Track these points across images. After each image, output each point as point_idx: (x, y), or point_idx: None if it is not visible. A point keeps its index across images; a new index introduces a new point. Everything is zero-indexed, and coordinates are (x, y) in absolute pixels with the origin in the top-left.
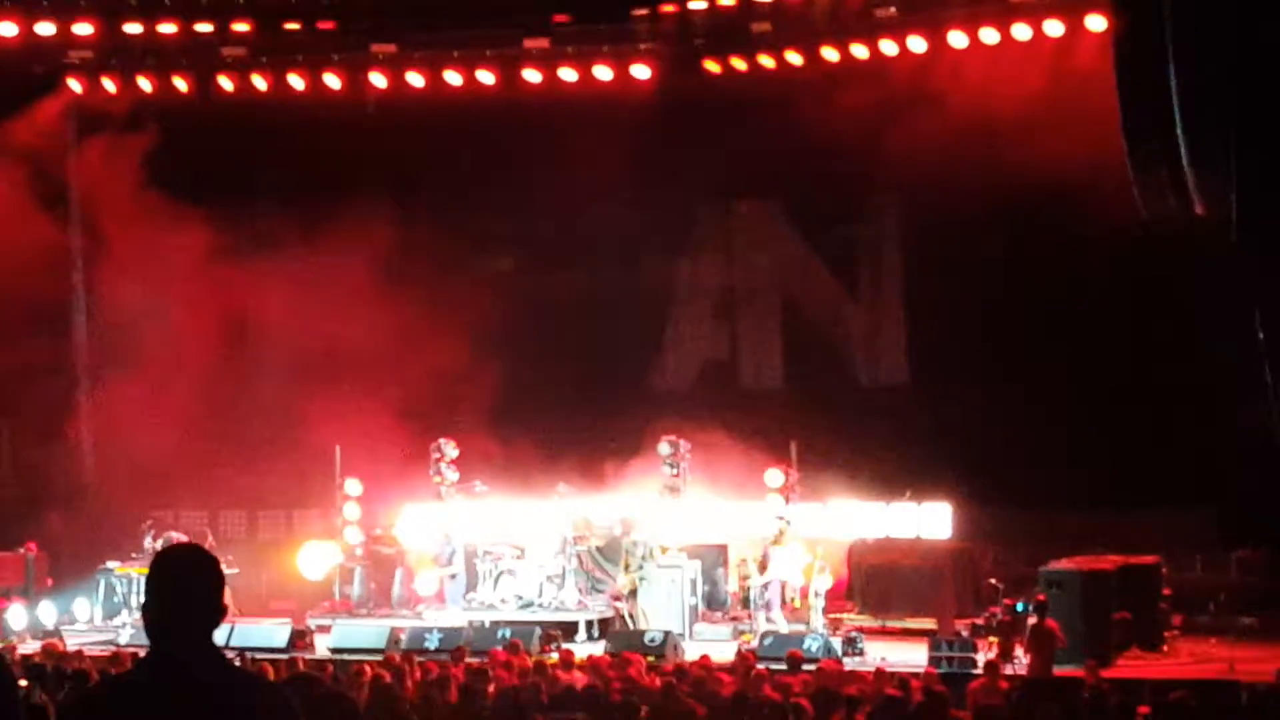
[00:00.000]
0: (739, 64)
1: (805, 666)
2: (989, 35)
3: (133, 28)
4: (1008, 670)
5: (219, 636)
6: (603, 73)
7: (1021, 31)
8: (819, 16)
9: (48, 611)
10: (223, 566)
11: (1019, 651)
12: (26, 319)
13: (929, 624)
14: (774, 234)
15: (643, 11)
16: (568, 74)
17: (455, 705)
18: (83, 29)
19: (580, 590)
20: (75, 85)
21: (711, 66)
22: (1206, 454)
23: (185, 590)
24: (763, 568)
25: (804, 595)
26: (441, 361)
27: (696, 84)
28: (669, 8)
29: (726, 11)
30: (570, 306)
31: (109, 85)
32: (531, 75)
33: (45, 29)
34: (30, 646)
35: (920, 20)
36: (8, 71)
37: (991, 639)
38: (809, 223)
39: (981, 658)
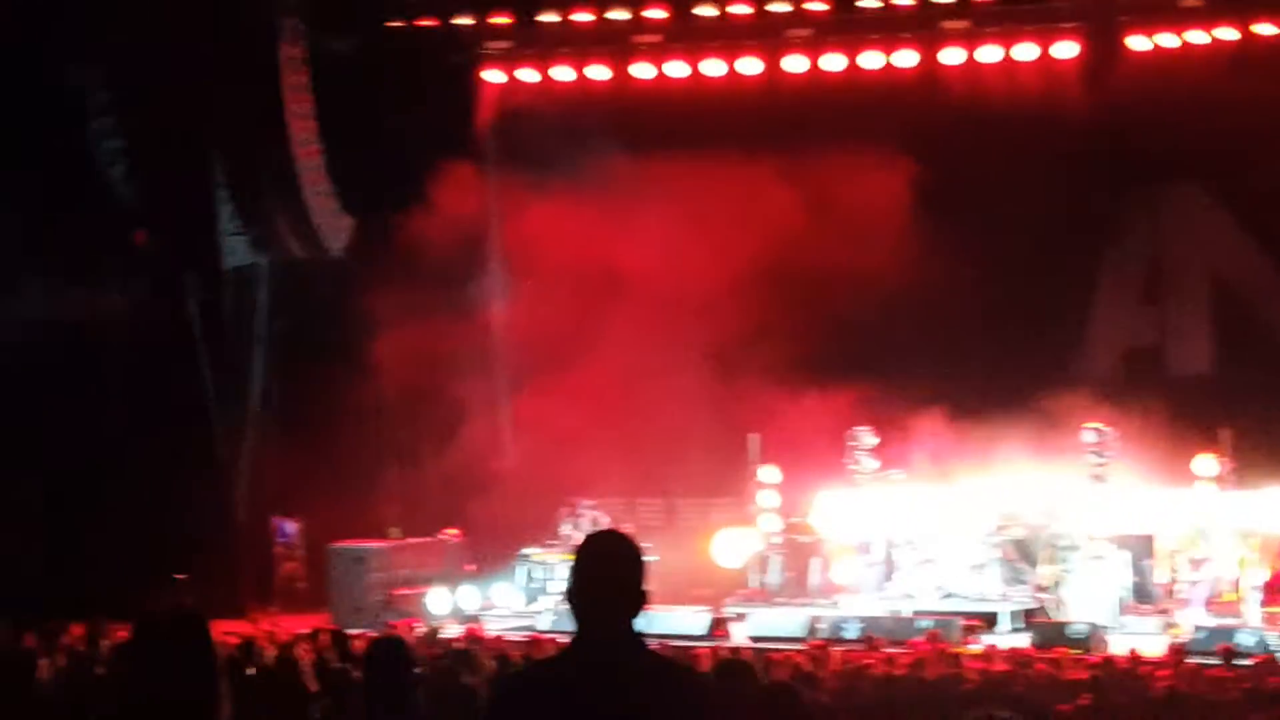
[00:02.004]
0: (1167, 41)
1: (1237, 661)
2: None
3: (548, 17)
4: None
5: (640, 623)
6: (1026, 51)
7: None
8: None
9: (469, 596)
10: (643, 554)
11: None
12: (448, 306)
13: None
14: (1203, 216)
15: None
16: (990, 52)
17: (874, 695)
18: (499, 20)
19: (1002, 581)
20: (493, 75)
21: (1137, 44)
22: None
23: (609, 576)
24: (1194, 560)
25: (1236, 588)
26: (859, 350)
27: (1121, 63)
28: None
29: None
30: (988, 292)
31: (526, 75)
32: (952, 56)
33: (462, 21)
34: (452, 631)
35: None
36: (425, 62)
37: None
38: (1240, 203)
39: None
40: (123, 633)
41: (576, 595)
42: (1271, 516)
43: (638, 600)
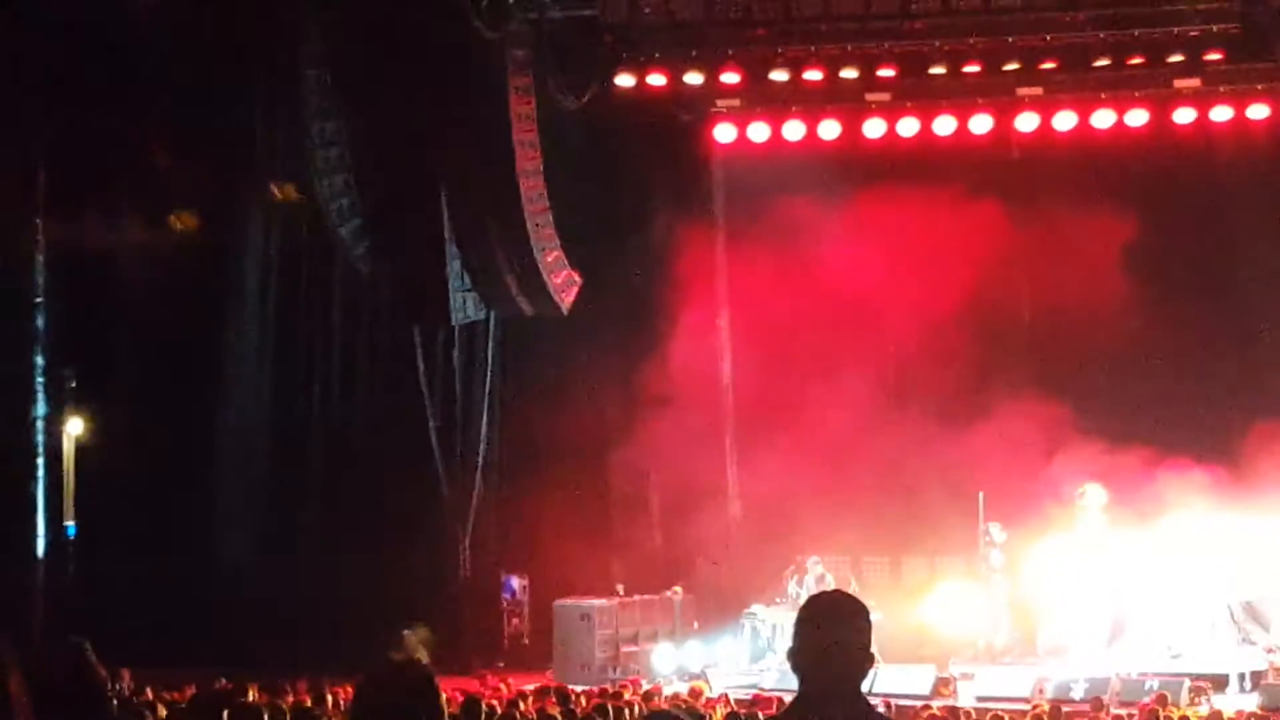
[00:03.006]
0: None
1: None
2: None
3: (779, 75)
4: None
5: (865, 683)
6: (1258, 111)
7: None
8: None
9: (694, 653)
10: (869, 613)
11: None
12: (674, 361)
13: None
14: None
15: None
16: (1221, 113)
17: None
18: (730, 78)
19: (1232, 642)
20: (724, 133)
21: None
22: None
23: (835, 636)
24: None
25: None
26: (1087, 408)
27: None
28: None
29: None
30: (1208, 351)
31: (756, 132)
32: (1183, 115)
33: (693, 79)
34: (676, 688)
35: None
36: (656, 118)
37: None
38: None
39: None
40: (350, 688)
41: (801, 655)
42: None
43: (863, 660)
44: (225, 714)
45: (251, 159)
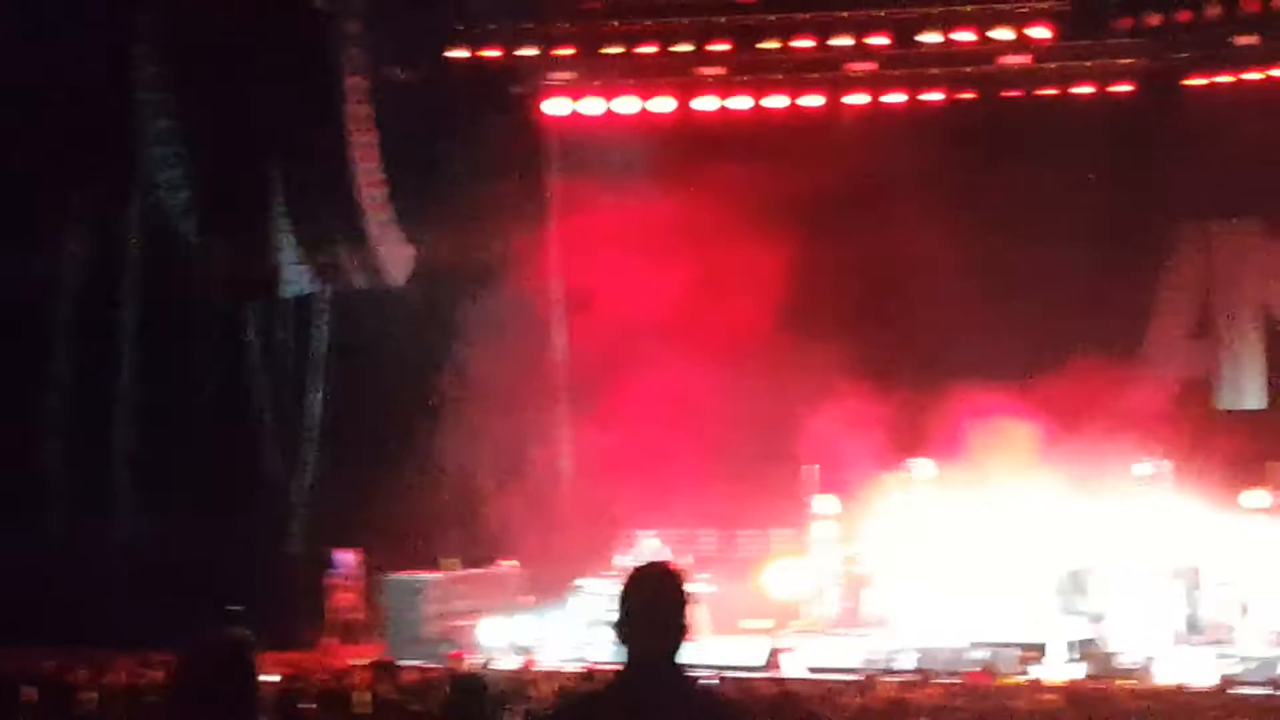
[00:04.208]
0: (1223, 79)
1: None
2: None
3: (612, 49)
4: None
5: (693, 654)
6: (1082, 90)
7: None
8: None
9: (525, 628)
10: (689, 586)
11: None
12: (506, 336)
13: None
14: (1256, 252)
15: (1127, 24)
16: (1047, 91)
17: None
18: (563, 51)
19: (1056, 611)
20: (556, 106)
21: (1193, 82)
22: None
23: (654, 609)
24: (1259, 591)
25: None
26: (916, 377)
27: (1178, 100)
28: (1153, 20)
29: (1211, 25)
30: (1040, 324)
31: (589, 106)
32: (1010, 92)
33: (526, 52)
34: (507, 662)
35: None
36: (488, 92)
37: None
38: None
39: None
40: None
41: (623, 627)
42: None
43: (680, 633)
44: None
45: None
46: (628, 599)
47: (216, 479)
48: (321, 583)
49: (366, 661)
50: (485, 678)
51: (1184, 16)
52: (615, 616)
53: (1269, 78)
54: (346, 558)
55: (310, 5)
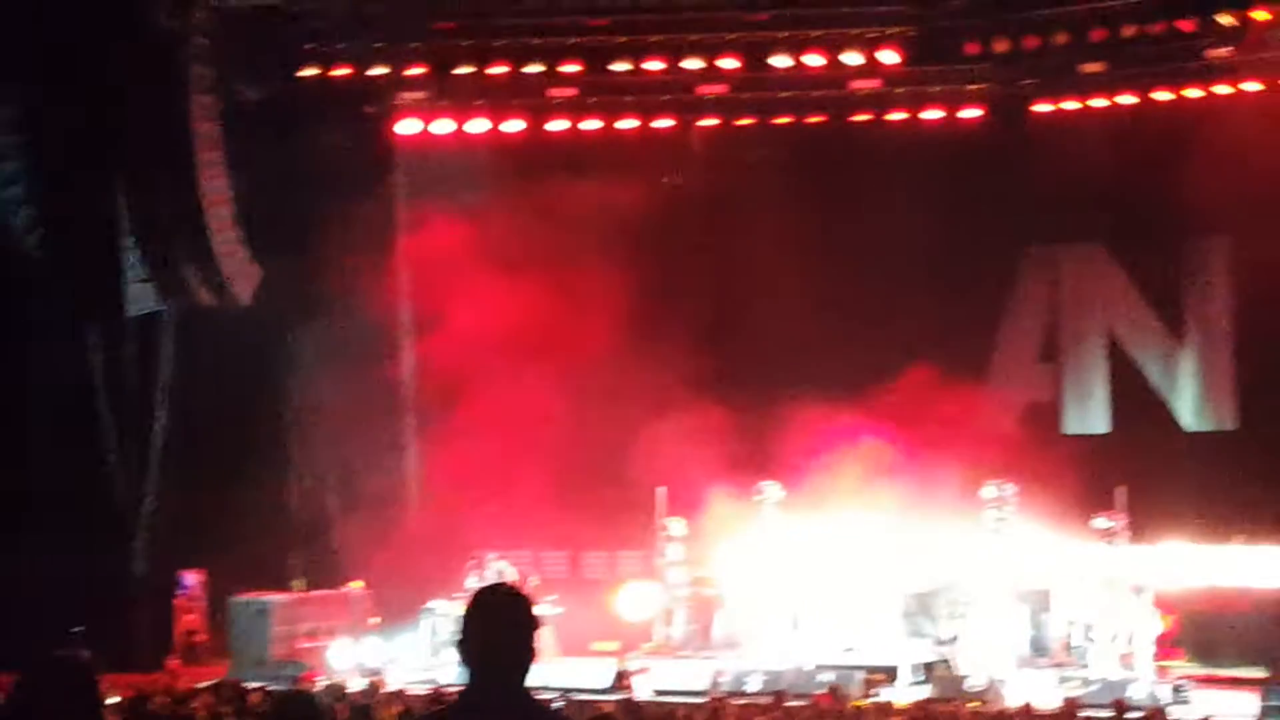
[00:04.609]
0: (1069, 105)
1: (1129, 715)
2: None
3: (464, 69)
4: None
5: (540, 677)
6: (931, 114)
7: None
8: (1151, 57)
9: (372, 649)
10: (536, 608)
11: None
12: (354, 355)
13: (1259, 672)
14: (1101, 277)
15: (975, 49)
16: (896, 115)
17: None
18: (414, 71)
19: (903, 634)
20: (408, 126)
21: (1041, 108)
22: None
23: (498, 632)
24: (1103, 614)
25: (1130, 642)
26: (766, 401)
27: (1025, 125)
28: (1001, 46)
29: (1058, 52)
30: (888, 348)
31: (441, 127)
32: (860, 116)
33: (378, 72)
34: (355, 684)
35: (1255, 64)
36: (339, 112)
37: None
38: (1137, 266)
39: None
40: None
41: (466, 650)
42: (1165, 572)
43: (526, 656)
44: None
45: None
46: (471, 621)
47: (60, 499)
48: (167, 603)
49: (210, 683)
50: (316, 697)
51: (1031, 43)
52: (458, 639)
53: (1114, 104)
54: (190, 578)
55: (158, 22)
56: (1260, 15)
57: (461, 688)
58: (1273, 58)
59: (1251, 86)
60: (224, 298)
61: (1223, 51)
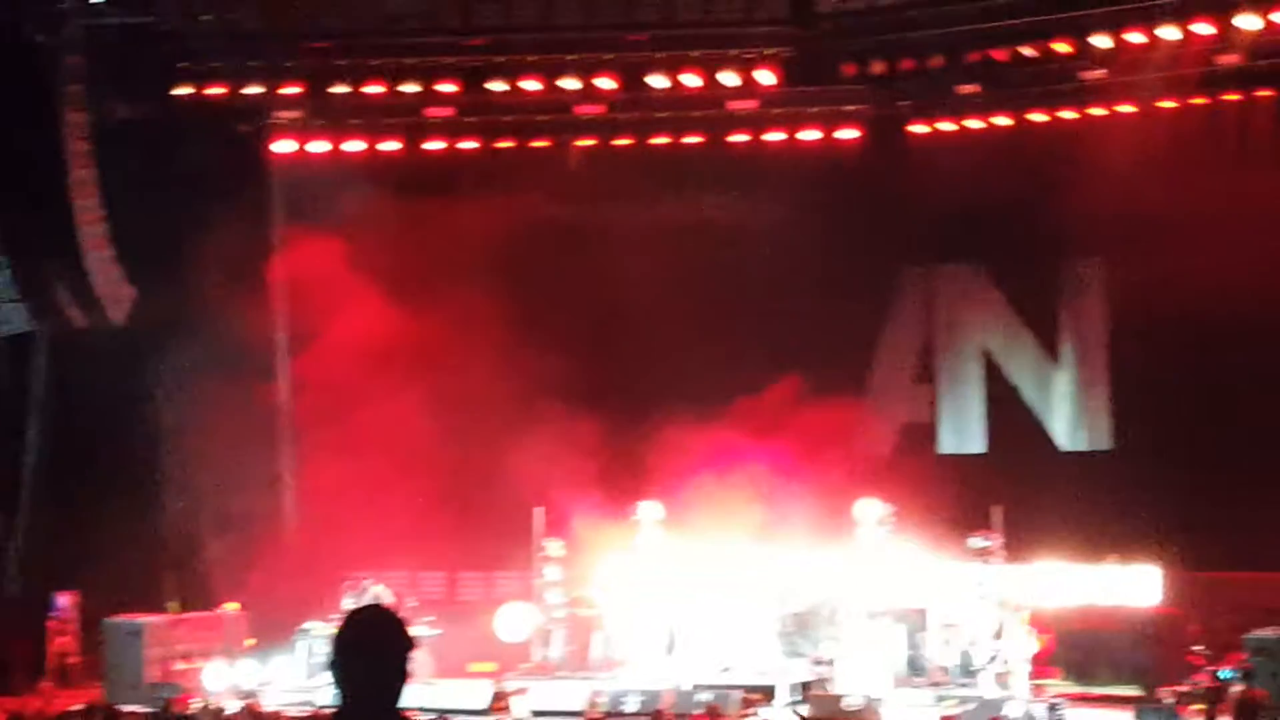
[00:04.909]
0: (946, 126)
1: None
2: (1197, 101)
3: (340, 89)
4: None
5: (417, 698)
6: (809, 135)
7: (1232, 97)
8: (1027, 79)
9: (248, 671)
10: (412, 629)
11: None
12: (231, 375)
13: (1133, 691)
14: (977, 298)
15: (851, 70)
16: (774, 136)
17: None
18: (290, 90)
19: (781, 654)
20: (283, 146)
21: (918, 129)
22: None
23: (370, 653)
24: (980, 634)
25: (1005, 661)
26: (643, 422)
27: (902, 146)
28: (877, 67)
29: (934, 73)
30: (766, 369)
31: (317, 146)
32: (737, 137)
33: (252, 90)
34: (230, 706)
35: (1128, 86)
36: (214, 132)
37: (1196, 707)
38: (1012, 286)
39: None
40: None
41: (338, 673)
42: (1040, 592)
43: (399, 677)
44: None
45: None
46: (342, 643)
47: None
48: (40, 625)
49: (83, 706)
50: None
51: (907, 64)
52: (330, 662)
53: (991, 125)
54: (62, 600)
55: (29, 39)
56: (1134, 38)
57: (335, 710)
58: (1146, 80)
59: (1126, 109)
60: (96, 317)
61: (1097, 74)
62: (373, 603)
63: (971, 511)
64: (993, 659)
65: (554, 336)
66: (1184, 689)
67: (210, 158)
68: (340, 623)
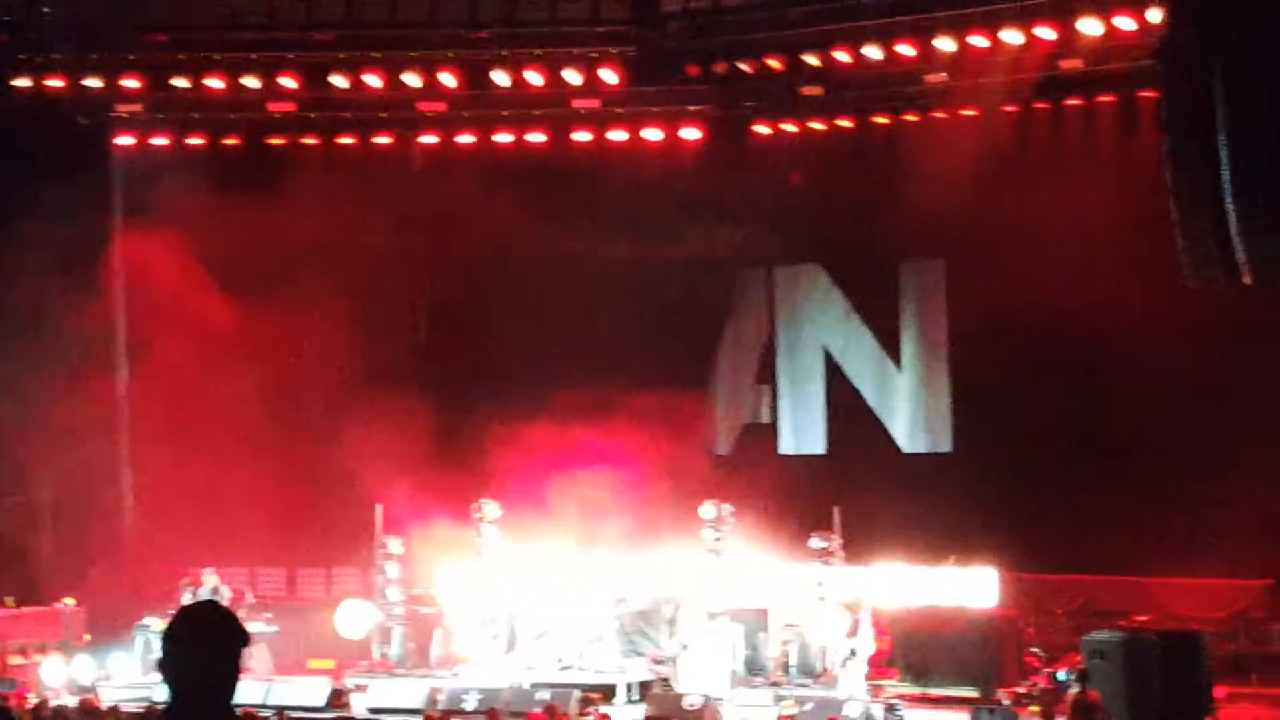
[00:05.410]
0: (789, 127)
1: None
2: (1041, 103)
3: (180, 82)
4: None
5: (255, 694)
6: (652, 134)
7: (1074, 102)
8: (870, 81)
9: (85, 667)
10: (248, 625)
11: None
12: (69, 370)
13: (970, 692)
14: (818, 299)
15: (695, 71)
16: (617, 135)
17: None
18: (130, 83)
19: (620, 653)
20: (124, 140)
21: (760, 129)
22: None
23: (200, 650)
24: (819, 634)
25: (844, 660)
26: (483, 419)
27: (744, 146)
28: (720, 68)
29: (776, 74)
30: (610, 367)
31: (159, 140)
32: (580, 135)
33: (92, 83)
34: (67, 701)
35: (972, 89)
36: (54, 124)
37: (1033, 708)
38: (853, 288)
39: None
40: None
41: (169, 669)
42: (879, 592)
43: (231, 674)
44: None
45: None
46: (172, 640)
47: None
48: None
49: None
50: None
51: (750, 65)
52: (161, 658)
53: (834, 127)
54: None
55: None
56: (977, 41)
57: (167, 706)
58: (989, 84)
59: (968, 112)
60: None
61: (940, 77)
62: (200, 601)
63: (812, 512)
64: (831, 660)
65: (394, 333)
66: (1021, 690)
67: (51, 151)
68: (170, 619)
